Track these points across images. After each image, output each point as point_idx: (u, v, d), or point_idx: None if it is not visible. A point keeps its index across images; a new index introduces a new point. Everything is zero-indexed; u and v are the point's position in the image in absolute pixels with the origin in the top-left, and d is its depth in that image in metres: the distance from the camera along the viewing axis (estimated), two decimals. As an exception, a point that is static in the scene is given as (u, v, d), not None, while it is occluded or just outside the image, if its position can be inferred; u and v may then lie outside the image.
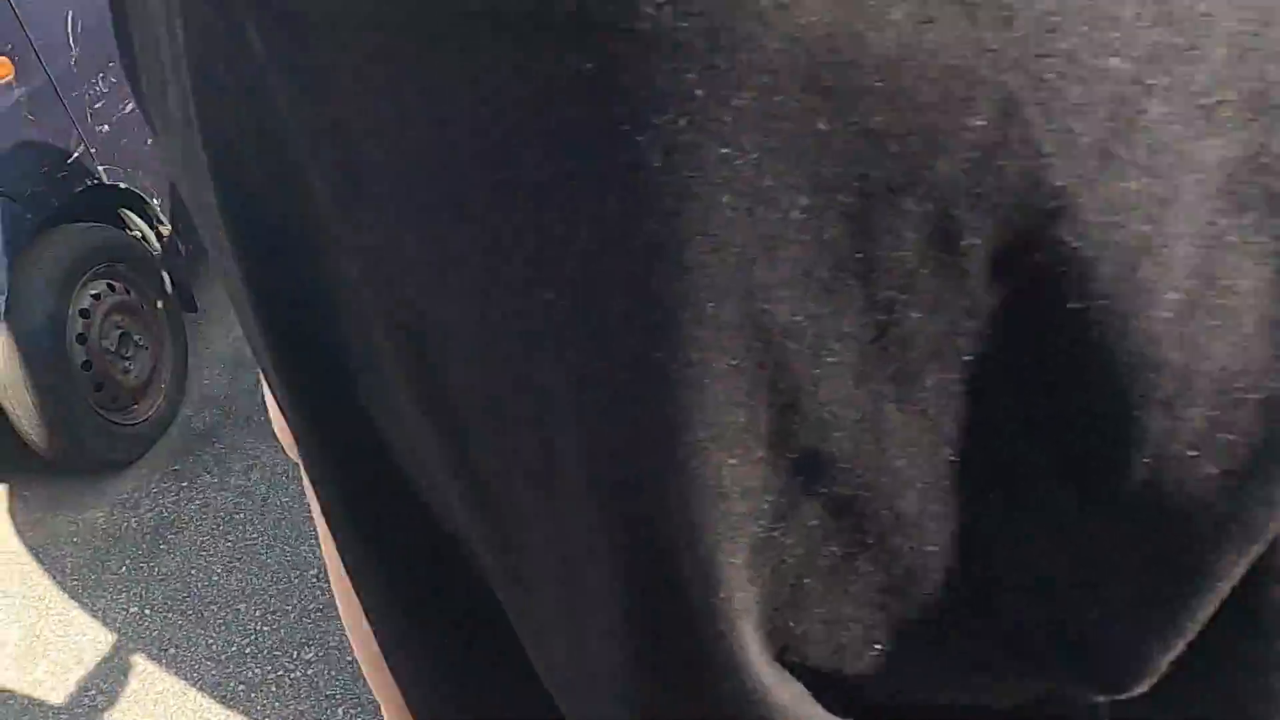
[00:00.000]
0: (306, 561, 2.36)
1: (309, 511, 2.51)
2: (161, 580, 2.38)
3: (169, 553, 2.46)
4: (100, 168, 2.63)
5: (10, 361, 2.33)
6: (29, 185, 2.37)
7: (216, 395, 3.00)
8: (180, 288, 2.98)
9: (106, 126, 2.67)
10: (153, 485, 2.68)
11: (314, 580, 2.31)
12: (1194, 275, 0.19)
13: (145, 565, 2.43)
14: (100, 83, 2.66)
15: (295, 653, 2.14)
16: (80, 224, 2.60)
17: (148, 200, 2.84)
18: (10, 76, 2.33)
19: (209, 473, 2.70)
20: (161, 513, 2.59)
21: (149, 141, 2.80)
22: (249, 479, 2.65)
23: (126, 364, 2.70)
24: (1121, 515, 0.21)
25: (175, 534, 2.51)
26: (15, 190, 2.32)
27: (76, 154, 2.54)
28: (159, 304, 2.86)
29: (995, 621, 0.24)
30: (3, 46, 2.33)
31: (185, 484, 2.67)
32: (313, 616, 2.22)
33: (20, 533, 2.58)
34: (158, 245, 2.93)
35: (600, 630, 0.26)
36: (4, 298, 2.29)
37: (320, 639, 2.16)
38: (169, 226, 2.93)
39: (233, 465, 2.71)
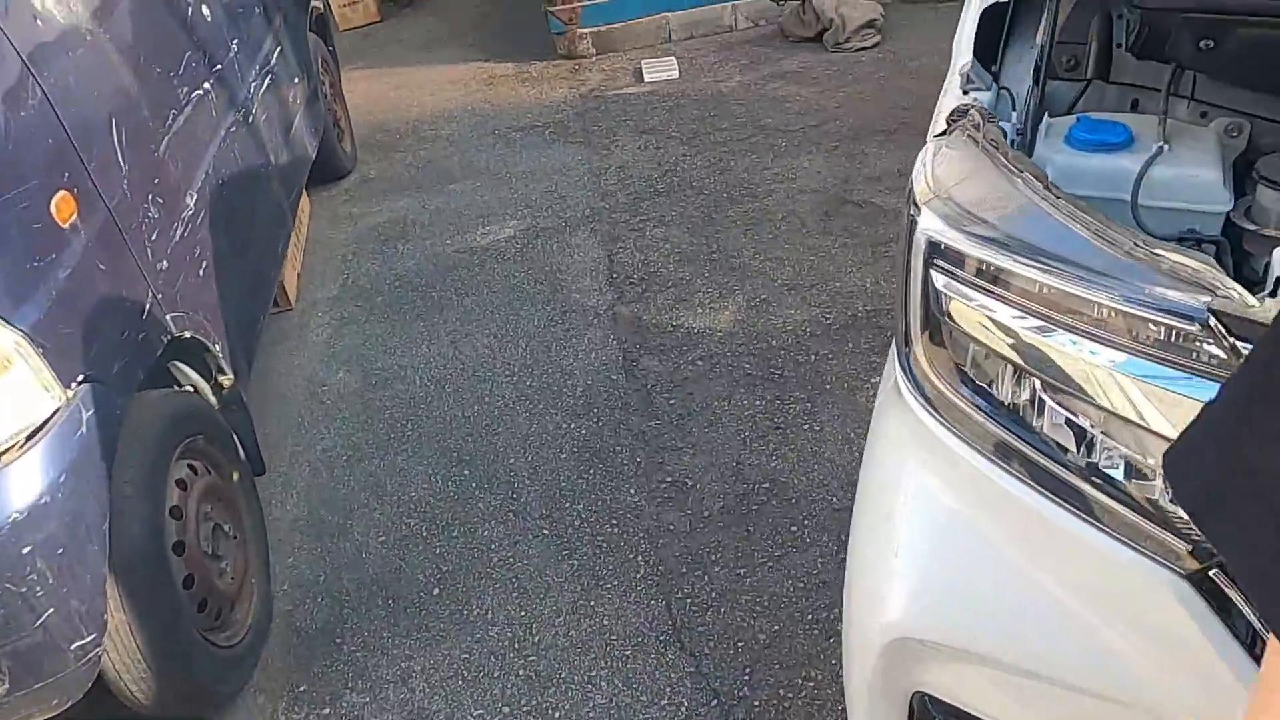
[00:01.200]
0: (554, 800, 1.83)
1: (518, 725, 1.98)
2: None
3: (349, 816, 1.86)
4: (168, 317, 2.00)
5: (115, 602, 1.69)
6: (115, 360, 1.74)
7: (311, 578, 2.38)
8: (249, 449, 2.35)
9: (165, 263, 2.04)
10: (281, 719, 2.06)
11: (572, 824, 1.79)
12: None
13: (324, 841, 1.83)
14: (151, 206, 2.03)
15: None
16: (149, 393, 1.96)
17: (209, 347, 2.21)
18: (74, 215, 1.70)
19: (352, 689, 2.09)
20: (312, 758, 1.97)
21: (201, 271, 2.20)
22: (412, 690, 2.07)
23: (221, 565, 2.07)
24: None
25: (346, 787, 1.91)
26: (103, 370, 1.68)
27: (148, 305, 1.91)
28: (234, 475, 2.23)
29: None
30: (59, 176, 1.69)
31: (328, 711, 2.06)
32: None
33: (119, 822, 1.91)
34: (214, 399, 2.30)
35: None
36: (106, 524, 1.65)
37: None
38: (230, 375, 2.30)
39: (381, 673, 2.12)
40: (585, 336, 3.11)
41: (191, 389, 2.23)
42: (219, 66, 2.68)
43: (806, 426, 2.63)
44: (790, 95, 4.68)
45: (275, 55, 3.34)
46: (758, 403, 2.74)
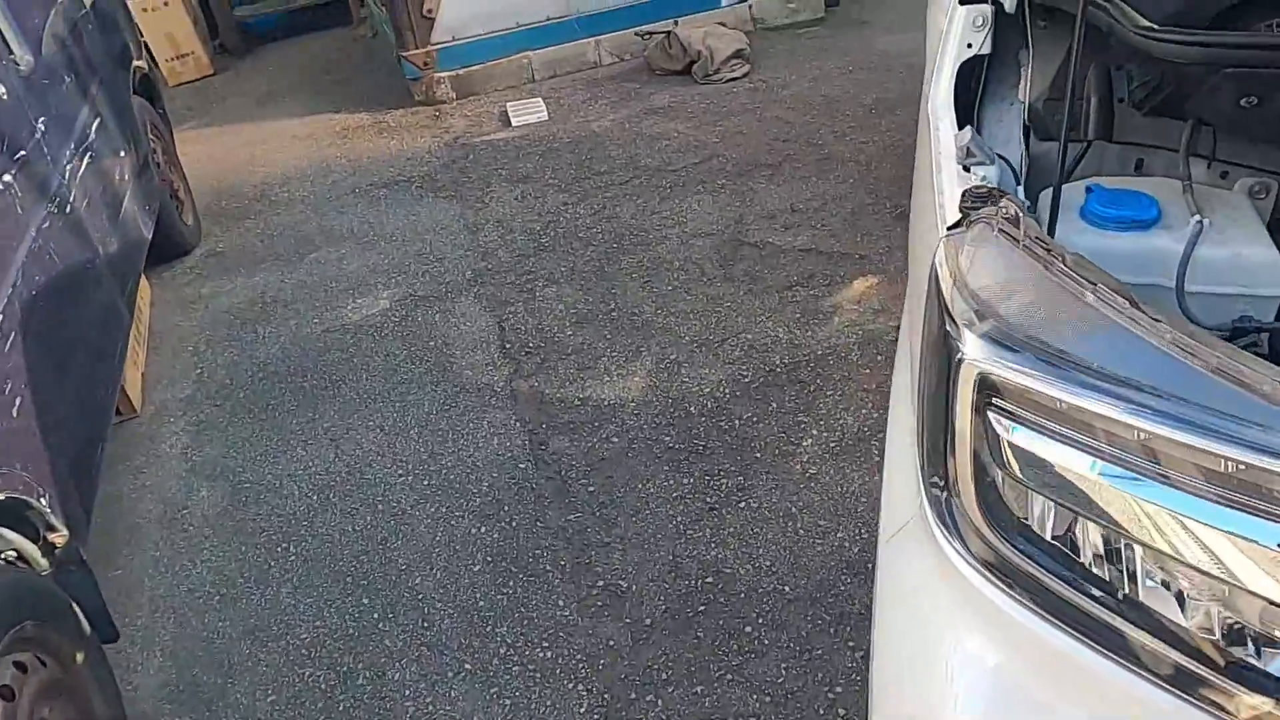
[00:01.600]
0: None
1: None
2: None
3: None
4: (-28, 481, 1.59)
5: None
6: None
7: (187, 760, 1.98)
8: (93, 615, 1.94)
9: (-37, 411, 1.63)
10: None
11: None
12: None
13: None
14: (-61, 343, 1.62)
15: None
16: (-46, 582, 1.55)
17: (32, 503, 1.80)
18: None
19: None
20: None
21: (16, 410, 1.80)
22: None
23: (69, 779, 1.66)
24: None
25: None
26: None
27: (-57, 475, 1.50)
28: (78, 657, 1.82)
29: None
30: None
31: None
32: None
33: None
34: (44, 562, 1.88)
35: None
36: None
37: None
38: (63, 531, 1.88)
39: None
40: (484, 420, 2.80)
41: (14, 556, 1.81)
42: (22, 152, 2.25)
43: (742, 504, 2.40)
44: (667, 132, 4.50)
45: (94, 128, 2.90)
46: (685, 481, 2.49)
